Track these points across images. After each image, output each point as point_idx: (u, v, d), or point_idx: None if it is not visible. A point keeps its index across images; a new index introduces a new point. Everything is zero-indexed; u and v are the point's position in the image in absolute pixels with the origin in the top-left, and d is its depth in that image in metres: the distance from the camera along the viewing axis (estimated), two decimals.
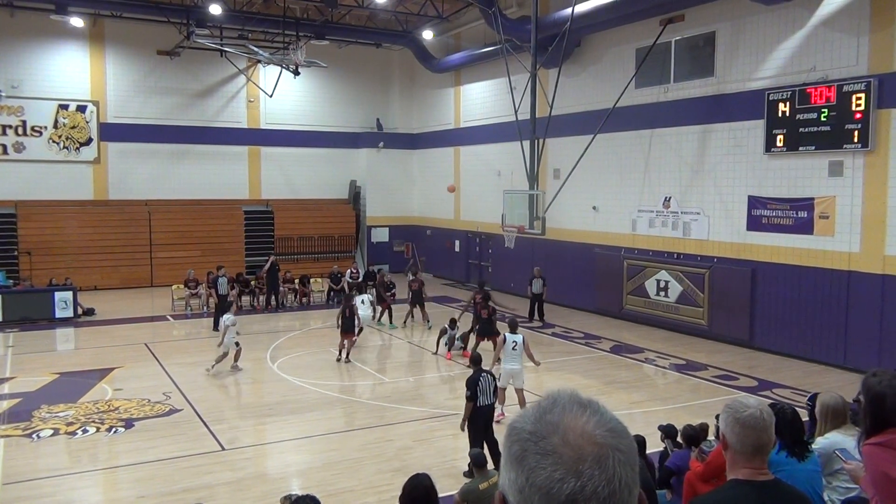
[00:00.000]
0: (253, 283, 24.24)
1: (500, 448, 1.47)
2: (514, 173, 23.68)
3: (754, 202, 17.28)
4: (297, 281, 24.66)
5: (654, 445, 8.81)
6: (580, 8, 19.19)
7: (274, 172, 31.01)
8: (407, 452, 10.98)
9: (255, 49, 26.76)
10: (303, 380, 15.03)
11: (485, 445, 9.56)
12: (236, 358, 15.61)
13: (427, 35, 27.99)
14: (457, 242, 29.60)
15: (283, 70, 27.35)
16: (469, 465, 9.45)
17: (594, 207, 22.06)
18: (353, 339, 16.77)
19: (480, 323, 16.48)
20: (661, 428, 8.49)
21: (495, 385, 10.42)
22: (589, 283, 22.29)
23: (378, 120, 32.58)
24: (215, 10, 23.30)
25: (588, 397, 1.46)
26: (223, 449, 11.16)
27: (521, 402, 12.23)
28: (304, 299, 24.33)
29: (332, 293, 24.63)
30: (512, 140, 21.95)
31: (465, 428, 10.03)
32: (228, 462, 10.67)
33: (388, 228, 32.36)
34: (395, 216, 32.41)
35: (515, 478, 1.37)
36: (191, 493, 9.46)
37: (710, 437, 7.84)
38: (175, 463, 10.61)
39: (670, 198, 19.56)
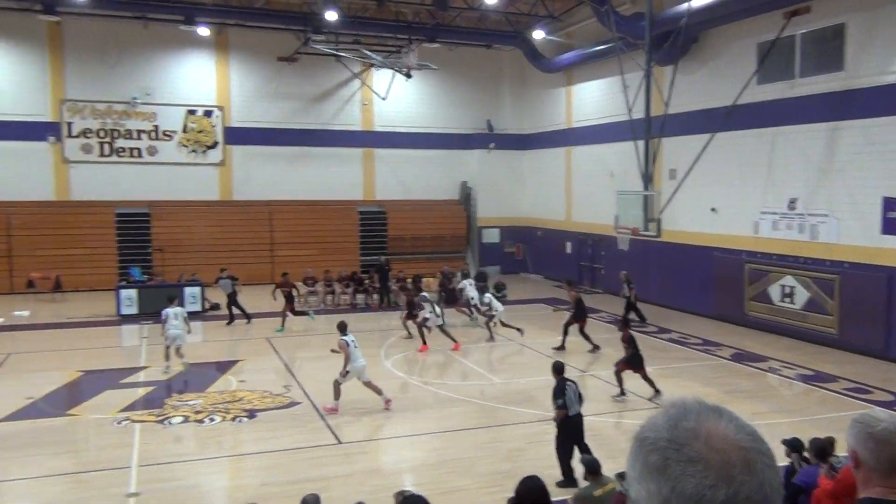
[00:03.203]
0: (367, 281, 24.80)
1: (630, 461, 1.41)
2: (628, 174, 23.19)
3: (890, 204, 16.19)
4: (409, 280, 25.03)
5: (779, 460, 8.41)
6: (697, 3, 18.58)
7: (387, 174, 31.66)
8: (519, 454, 10.95)
9: (369, 53, 27.41)
10: (415, 378, 15.27)
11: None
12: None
13: (538, 35, 27.83)
14: (568, 244, 29.27)
15: (396, 73, 27.88)
16: (561, 475, 9.42)
17: (713, 209, 21.30)
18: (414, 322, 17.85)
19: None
20: (786, 442, 8.04)
21: (580, 392, 10.24)
22: (707, 287, 21.52)
23: (489, 121, 32.67)
24: (331, 16, 24.02)
25: (715, 402, 1.42)
26: (339, 442, 11.49)
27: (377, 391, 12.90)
28: (416, 298, 24.63)
29: (443, 293, 24.84)
30: (625, 140, 21.51)
31: (559, 440, 9.88)
32: (344, 455, 10.98)
33: (498, 229, 32.40)
34: (505, 217, 32.41)
35: (658, 489, 1.31)
36: (309, 483, 9.79)
37: (838, 452, 7.40)
38: (294, 454, 11.01)
39: (796, 199, 18.62)
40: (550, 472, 9.57)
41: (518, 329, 18.90)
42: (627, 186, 22.53)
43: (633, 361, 13.56)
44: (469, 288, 21.34)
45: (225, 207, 29.34)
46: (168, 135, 28.81)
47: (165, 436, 11.82)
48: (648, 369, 13.55)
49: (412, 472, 10.58)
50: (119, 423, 12.33)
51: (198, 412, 12.82)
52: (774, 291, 19.22)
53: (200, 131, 29.21)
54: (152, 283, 24.09)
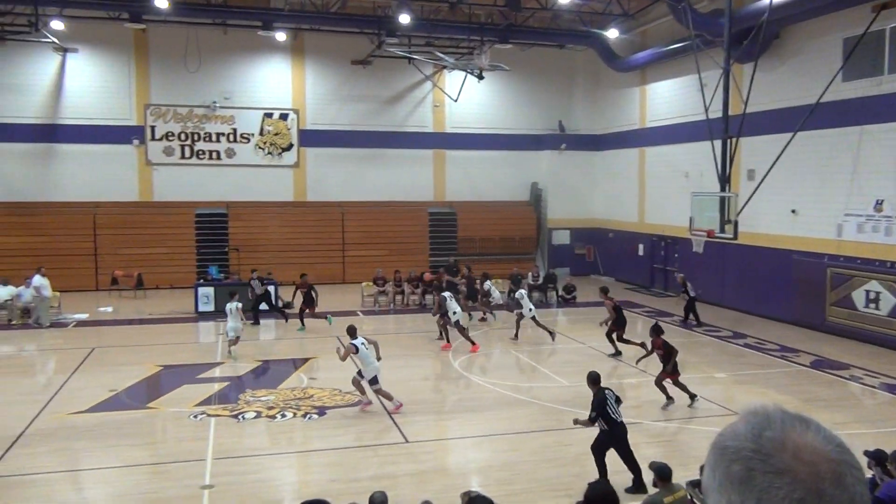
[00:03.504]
0: (435, 283, 24.89)
1: (709, 470, 1.35)
2: (704, 175, 22.63)
3: None
4: (478, 282, 25.01)
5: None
6: None
7: (457, 175, 31.76)
8: (586, 458, 10.77)
9: (441, 55, 27.54)
10: (483, 379, 15.26)
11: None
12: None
13: (612, 34, 27.43)
14: (640, 246, 28.74)
15: (468, 75, 27.93)
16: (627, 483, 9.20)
17: (793, 211, 20.56)
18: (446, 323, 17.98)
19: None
20: (868, 454, 7.69)
21: (617, 397, 10.06)
22: (785, 291, 20.79)
23: (560, 122, 32.39)
24: (404, 19, 24.24)
25: (798, 412, 1.35)
26: (406, 441, 11.57)
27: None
28: (486, 299, 24.61)
29: (511, 294, 24.78)
30: (701, 140, 20.99)
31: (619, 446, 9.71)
32: (411, 454, 11.05)
33: (568, 231, 32.07)
34: (576, 218, 32.06)
35: (740, 501, 1.26)
36: (376, 481, 9.88)
37: None
38: (362, 451, 11.15)
39: (883, 201, 17.79)
40: (618, 479, 9.40)
41: (551, 332, 18.73)
42: (703, 187, 21.97)
43: (668, 369, 13.25)
44: (493, 290, 21.92)
45: (298, 208, 29.98)
46: (245, 137, 29.63)
47: (239, 430, 12.13)
48: (721, 375, 13.18)
49: (478, 473, 10.56)
50: (195, 416, 12.72)
51: (270, 408, 13.12)
52: (858, 297, 18.41)
53: (276, 134, 29.93)
54: (228, 280, 24.76)
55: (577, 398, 13.47)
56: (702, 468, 1.47)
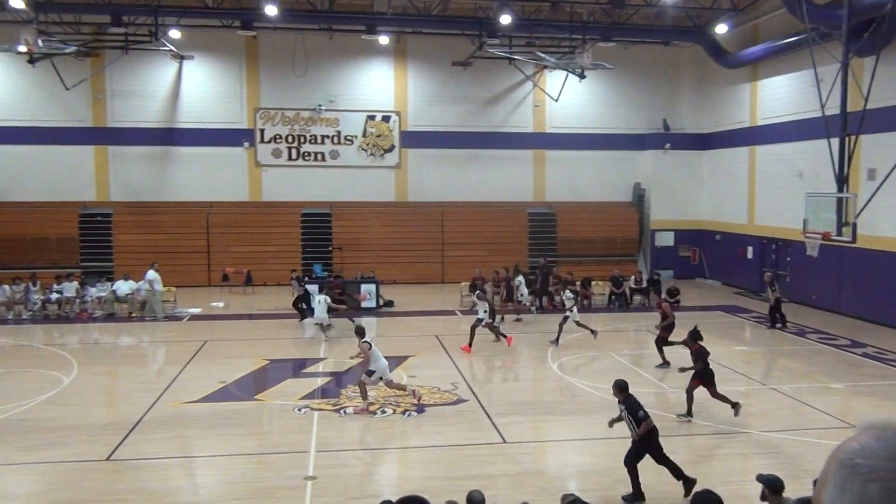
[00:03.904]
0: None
1: (837, 490, 1.25)
2: (819, 174, 21.50)
3: None
4: (578, 283, 24.71)
5: None
6: None
7: (557, 175, 31.46)
8: (690, 467, 10.44)
9: (542, 55, 27.33)
10: (582, 381, 15.04)
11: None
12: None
13: (721, 29, 26.50)
14: (750, 249, 27.62)
15: (569, 74, 27.61)
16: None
17: None
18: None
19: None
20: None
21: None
22: None
23: (665, 120, 31.56)
24: (505, 19, 24.19)
25: None
26: (504, 442, 11.54)
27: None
28: (586, 301, 24.31)
29: (613, 297, 24.38)
30: (817, 138, 19.95)
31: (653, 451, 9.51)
32: (509, 455, 11.01)
33: (673, 232, 31.20)
34: (681, 220, 31.16)
35: None
36: (473, 480, 9.89)
37: None
38: (460, 450, 11.19)
39: None
40: (724, 489, 9.05)
41: (592, 331, 18.31)
42: (818, 188, 20.86)
43: (704, 376, 12.58)
44: (522, 286, 22.00)
45: (400, 208, 30.46)
46: (349, 139, 30.36)
47: (340, 424, 12.42)
48: (838, 385, 12.48)
49: (577, 478, 10.42)
50: (299, 409, 13.11)
51: (371, 404, 13.36)
52: None
53: (379, 136, 30.51)
54: (332, 279, 25.41)
55: (680, 404, 13.09)
56: (815, 482, 1.36)
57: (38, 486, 9.90)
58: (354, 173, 30.34)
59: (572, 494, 7.35)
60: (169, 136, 29.46)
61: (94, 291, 22.89)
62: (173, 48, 27.80)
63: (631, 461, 9.45)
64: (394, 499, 6.60)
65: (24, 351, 18.32)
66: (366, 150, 30.45)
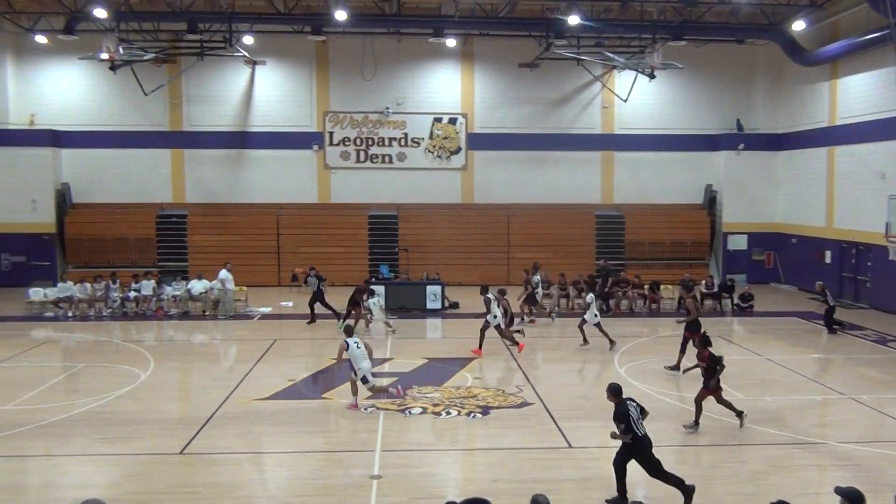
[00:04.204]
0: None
1: None
2: None
3: None
4: (647, 287, 24.29)
5: None
6: None
7: (626, 177, 31.00)
8: (763, 477, 10.15)
9: (611, 55, 26.96)
10: (649, 387, 14.75)
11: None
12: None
13: (798, 26, 25.65)
14: (828, 253, 26.64)
15: (639, 74, 27.16)
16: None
17: None
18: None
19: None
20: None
21: (642, 408, 9.54)
22: None
23: (738, 121, 30.74)
24: (573, 20, 23.94)
25: None
26: (570, 446, 11.41)
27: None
28: (654, 305, 23.88)
29: (682, 301, 23.82)
30: None
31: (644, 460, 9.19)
32: (575, 460, 10.88)
33: (746, 235, 30.36)
34: (754, 222, 30.29)
35: None
36: (538, 484, 9.82)
37: None
38: (525, 453, 11.12)
39: None
40: (799, 501, 8.76)
41: (611, 340, 18.00)
42: None
43: (711, 385, 12.13)
44: (540, 286, 21.76)
45: (466, 210, 30.51)
46: (416, 142, 30.59)
47: (406, 424, 12.50)
48: None
49: (644, 485, 10.20)
50: (365, 409, 13.25)
51: (435, 405, 13.41)
52: None
53: (445, 138, 30.65)
54: (398, 280, 25.65)
55: (751, 413, 12.71)
56: None
57: (116, 477, 10.27)
58: (421, 175, 30.56)
59: (639, 502, 7.22)
60: (241, 140, 30.26)
61: (169, 290, 23.67)
62: (246, 54, 28.53)
63: (617, 463, 9.29)
64: (458, 500, 6.59)
65: (103, 346, 19.06)
66: (432, 153, 30.62)
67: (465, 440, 11.92)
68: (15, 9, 26.03)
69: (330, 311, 21.46)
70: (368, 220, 30.00)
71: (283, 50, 29.61)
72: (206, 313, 23.05)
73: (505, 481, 10.00)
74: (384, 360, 17.10)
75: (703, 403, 12.16)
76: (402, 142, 30.60)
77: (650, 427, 12.35)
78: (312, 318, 21.44)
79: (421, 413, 13.00)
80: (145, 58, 26.24)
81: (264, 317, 22.95)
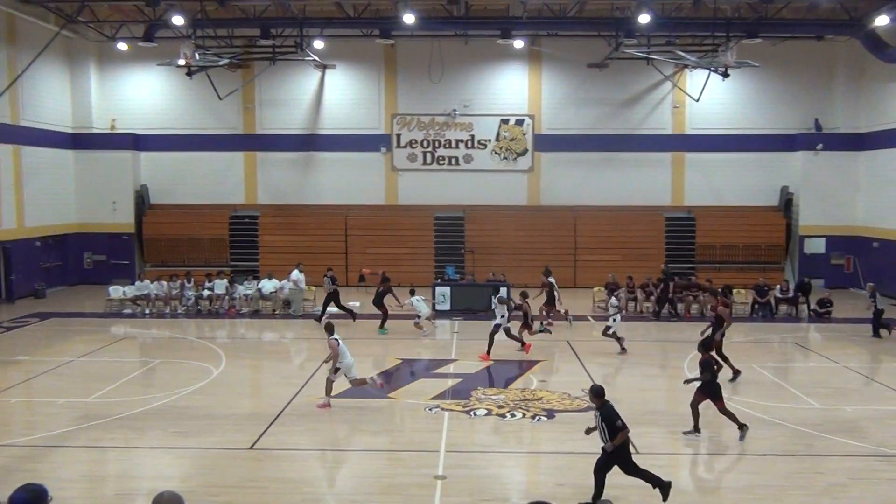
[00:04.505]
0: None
1: None
2: None
3: None
4: (718, 291, 23.65)
5: None
6: None
7: (697, 178, 30.32)
8: (841, 490, 9.77)
9: (683, 54, 26.40)
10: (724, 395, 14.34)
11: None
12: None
13: (881, 21, 24.58)
14: None
15: (711, 73, 26.53)
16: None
17: None
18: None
19: None
20: None
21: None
22: None
23: (816, 120, 29.68)
24: (644, 19, 23.55)
25: None
26: (637, 452, 11.15)
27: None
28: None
29: (756, 306, 23.18)
30: None
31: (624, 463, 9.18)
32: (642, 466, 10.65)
33: (824, 239, 29.30)
34: (833, 225, 29.20)
35: None
36: (604, 489, 9.69)
37: None
38: (590, 458, 10.91)
39: None
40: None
41: (622, 347, 17.71)
42: None
43: (709, 390, 11.73)
44: (556, 289, 21.42)
45: (532, 212, 30.35)
46: (482, 143, 30.59)
47: (470, 426, 12.50)
48: None
49: (713, 493, 9.96)
50: (430, 409, 13.32)
51: (500, 407, 13.37)
52: None
53: (512, 139, 30.56)
54: (464, 281, 25.68)
55: (829, 422, 12.27)
56: None
57: (189, 470, 10.59)
58: (487, 177, 30.54)
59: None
60: (311, 142, 30.83)
61: (241, 289, 24.27)
62: (316, 58, 29.06)
63: (600, 470, 9.13)
64: (523, 503, 6.56)
65: (178, 343, 19.68)
66: (499, 154, 30.58)
67: (529, 443, 11.85)
68: (99, 18, 27.19)
69: (345, 312, 21.90)
70: (434, 222, 30.16)
71: (352, 53, 30.05)
72: (276, 312, 23.55)
73: (570, 486, 9.89)
74: (449, 362, 17.14)
75: (700, 408, 11.99)
76: (469, 144, 30.64)
77: (727, 434, 12.06)
78: (321, 317, 21.80)
79: (486, 415, 12.98)
80: (220, 63, 27.00)
81: (331, 316, 23.26)
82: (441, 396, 14.17)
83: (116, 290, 24.31)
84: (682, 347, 18.34)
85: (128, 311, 23.78)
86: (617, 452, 9.14)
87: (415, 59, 30.09)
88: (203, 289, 24.26)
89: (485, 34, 28.09)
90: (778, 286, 23.96)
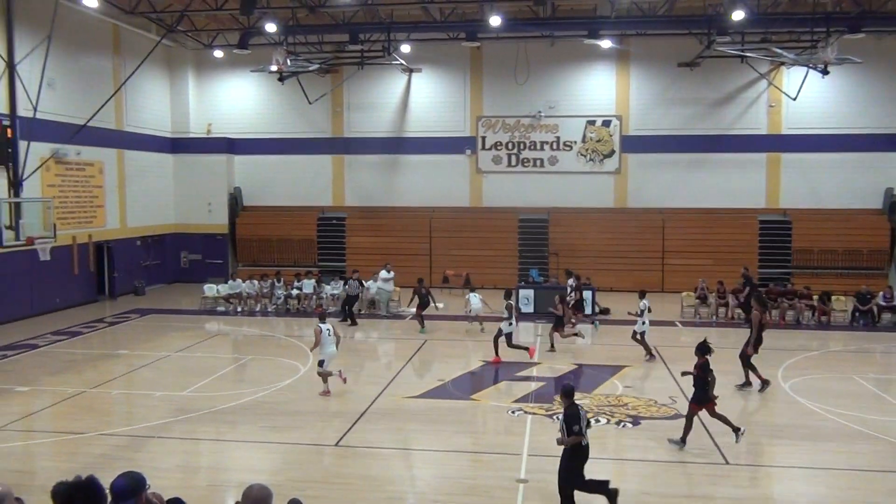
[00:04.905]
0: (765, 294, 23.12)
1: None
2: None
3: None
4: (815, 298, 22.69)
5: None
6: None
7: (794, 180, 29.13)
8: None
9: (779, 51, 25.43)
10: (818, 405, 13.76)
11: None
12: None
13: None
14: None
15: (810, 70, 25.44)
16: None
17: None
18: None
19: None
20: None
21: (589, 420, 9.10)
22: None
23: None
24: (738, 15, 22.79)
25: None
26: (727, 463, 10.85)
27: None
28: (824, 318, 22.26)
29: (856, 314, 22.09)
30: None
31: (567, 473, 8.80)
32: (731, 477, 10.33)
33: None
34: None
35: None
36: (692, 499, 9.44)
37: None
38: (677, 467, 10.69)
39: None
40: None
41: (649, 352, 17.19)
42: None
43: (701, 399, 11.24)
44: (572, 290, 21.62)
45: (618, 215, 29.84)
46: (568, 145, 30.28)
47: (553, 429, 12.31)
48: None
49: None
50: (513, 412, 13.26)
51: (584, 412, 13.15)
52: None
53: (599, 141, 30.13)
54: (547, 284, 25.46)
55: None
56: None
57: (277, 464, 10.88)
58: (573, 179, 30.22)
59: None
60: (397, 145, 31.24)
61: (328, 289, 24.80)
62: (403, 62, 29.43)
63: (580, 482, 8.84)
64: None
65: (268, 340, 20.27)
66: (584, 156, 30.21)
67: (613, 449, 11.63)
68: (196, 27, 28.34)
69: (347, 316, 22.15)
70: (519, 224, 30.04)
71: (437, 56, 30.29)
72: (362, 311, 23.94)
73: (655, 495, 9.66)
74: (532, 365, 17.03)
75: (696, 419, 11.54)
76: (554, 145, 30.39)
77: (818, 446, 11.54)
78: (352, 321, 22.11)
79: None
80: (311, 68, 27.73)
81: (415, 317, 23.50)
82: (524, 399, 14.09)
83: (211, 289, 25.24)
84: (777, 356, 17.64)
85: (221, 308, 24.66)
86: (577, 458, 8.85)
87: (500, 60, 30.08)
88: (292, 288, 24.92)
89: (571, 35, 27.80)
90: (881, 293, 22.73)
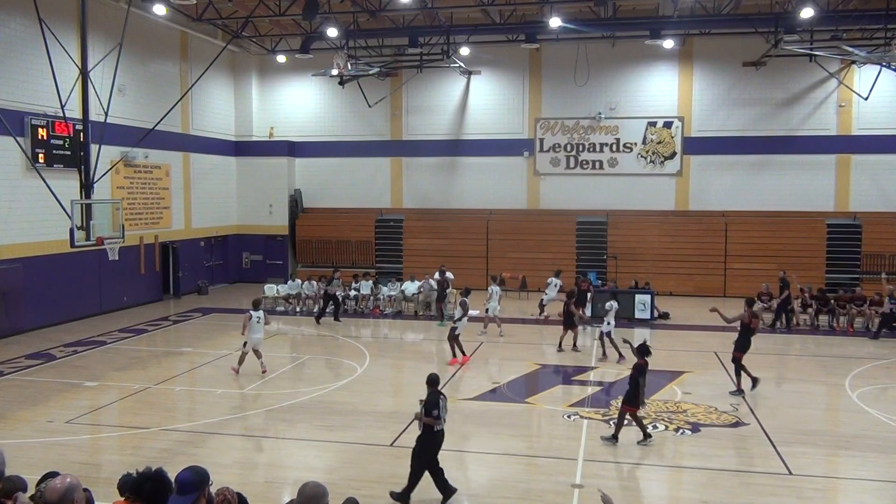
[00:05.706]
0: (833, 300, 22.36)
1: None
2: None
3: None
4: (887, 304, 21.81)
5: None
6: None
7: (865, 182, 28.10)
8: None
9: (850, 49, 24.58)
10: (884, 414, 13.24)
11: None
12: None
13: None
14: None
15: (883, 68, 24.51)
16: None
17: None
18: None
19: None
20: None
21: (447, 408, 9.72)
22: None
23: None
24: (807, 13, 22.13)
25: None
26: (790, 473, 10.53)
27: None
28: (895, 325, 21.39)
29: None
30: None
31: (420, 453, 9.38)
32: (795, 489, 10.01)
33: None
34: None
35: None
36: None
37: None
38: (737, 476, 10.42)
39: None
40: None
41: (620, 353, 17.20)
42: None
43: (631, 399, 11.57)
44: (551, 288, 22.38)
45: (679, 218, 29.26)
46: (628, 147, 29.85)
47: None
48: None
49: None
50: (569, 416, 13.13)
51: (642, 418, 12.94)
52: None
53: (660, 142, 29.61)
54: (606, 287, 25.09)
55: None
56: None
57: (333, 462, 11.01)
58: (632, 181, 29.78)
59: None
60: (455, 147, 31.29)
61: (385, 290, 24.99)
62: (462, 64, 29.47)
63: (432, 465, 9.35)
64: None
65: (326, 340, 20.53)
66: (645, 158, 29.73)
67: (671, 456, 11.41)
68: (260, 33, 28.96)
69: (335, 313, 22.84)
70: (577, 227, 29.75)
71: (496, 59, 30.23)
72: (419, 313, 24.05)
73: (714, 503, 9.44)
74: (588, 369, 16.84)
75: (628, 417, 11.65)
76: (614, 147, 29.99)
77: (887, 458, 11.10)
78: (335, 318, 22.82)
79: (626, 425, 12.61)
80: (370, 72, 28.01)
81: (472, 319, 23.44)
82: (580, 404, 13.95)
83: (271, 289, 25.70)
84: (844, 364, 17.06)
85: (280, 308, 25.09)
86: (432, 444, 9.37)
87: (559, 62, 29.85)
88: (350, 289, 25.18)
89: (633, 35, 27.42)
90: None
